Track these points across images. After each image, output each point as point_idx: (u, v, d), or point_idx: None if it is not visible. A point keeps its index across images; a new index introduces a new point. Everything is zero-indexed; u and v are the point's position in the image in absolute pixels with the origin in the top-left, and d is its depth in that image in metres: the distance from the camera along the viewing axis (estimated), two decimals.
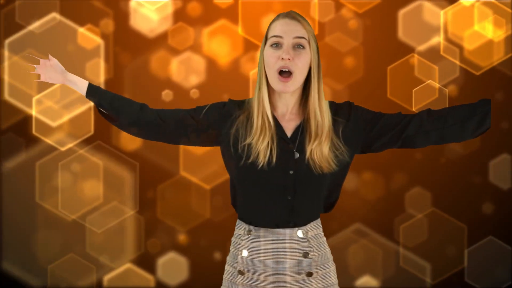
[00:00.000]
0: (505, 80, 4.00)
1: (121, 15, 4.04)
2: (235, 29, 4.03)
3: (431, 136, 2.12)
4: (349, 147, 2.12)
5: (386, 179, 4.06)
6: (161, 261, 4.13)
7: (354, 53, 4.03)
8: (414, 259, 4.09)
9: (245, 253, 2.13)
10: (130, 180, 4.05)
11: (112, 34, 4.05)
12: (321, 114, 2.09)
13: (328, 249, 2.17)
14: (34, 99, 4.01)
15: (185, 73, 4.02)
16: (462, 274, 4.08)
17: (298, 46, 2.08)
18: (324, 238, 2.17)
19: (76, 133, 4.06)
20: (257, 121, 2.09)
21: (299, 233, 2.10)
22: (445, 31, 3.99)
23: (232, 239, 2.19)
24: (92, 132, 4.05)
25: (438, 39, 4.00)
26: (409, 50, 4.03)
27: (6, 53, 4.02)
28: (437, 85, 3.97)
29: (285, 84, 2.07)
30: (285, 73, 2.08)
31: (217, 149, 2.19)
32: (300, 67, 2.08)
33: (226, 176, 2.20)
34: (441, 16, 3.98)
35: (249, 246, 2.12)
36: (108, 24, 4.05)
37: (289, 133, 2.13)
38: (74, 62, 3.96)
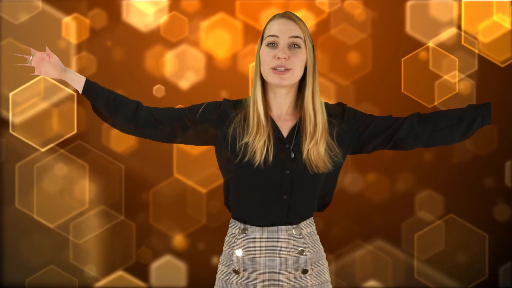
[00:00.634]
0: None
1: (112, 7, 3.95)
2: (233, 23, 3.98)
3: (421, 139, 2.20)
4: (342, 148, 2.18)
5: (391, 180, 3.98)
6: (154, 266, 4.03)
7: (361, 46, 3.94)
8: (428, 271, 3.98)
9: (240, 252, 2.17)
10: (119, 183, 3.97)
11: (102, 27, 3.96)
12: (317, 114, 2.14)
13: (321, 247, 2.22)
14: (10, 95, 3.91)
15: (179, 68, 3.98)
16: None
17: (294, 46, 2.13)
18: (318, 236, 2.23)
19: (60, 132, 3.95)
20: (253, 121, 2.14)
21: (294, 230, 2.16)
22: (459, 24, 3.93)
23: (226, 238, 2.22)
24: (75, 131, 3.96)
25: (454, 30, 3.93)
26: (421, 43, 3.94)
27: None
28: (456, 79, 3.91)
29: (281, 76, 2.11)
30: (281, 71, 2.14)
31: (213, 149, 2.20)
32: (296, 65, 2.12)
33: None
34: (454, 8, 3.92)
35: (244, 245, 2.17)
36: (99, 15, 3.96)
37: (285, 133, 2.17)
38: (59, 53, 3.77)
